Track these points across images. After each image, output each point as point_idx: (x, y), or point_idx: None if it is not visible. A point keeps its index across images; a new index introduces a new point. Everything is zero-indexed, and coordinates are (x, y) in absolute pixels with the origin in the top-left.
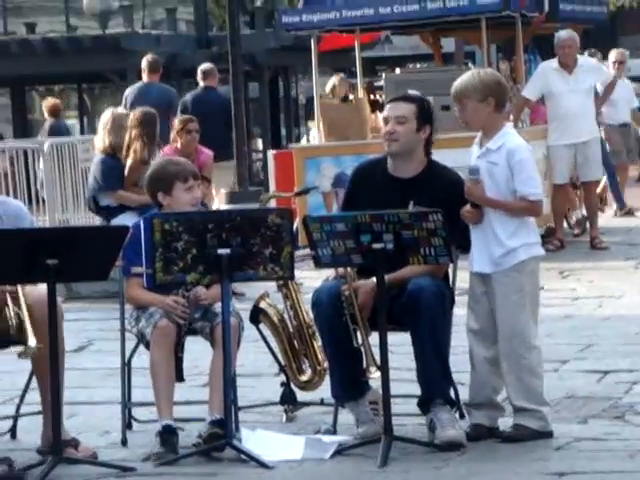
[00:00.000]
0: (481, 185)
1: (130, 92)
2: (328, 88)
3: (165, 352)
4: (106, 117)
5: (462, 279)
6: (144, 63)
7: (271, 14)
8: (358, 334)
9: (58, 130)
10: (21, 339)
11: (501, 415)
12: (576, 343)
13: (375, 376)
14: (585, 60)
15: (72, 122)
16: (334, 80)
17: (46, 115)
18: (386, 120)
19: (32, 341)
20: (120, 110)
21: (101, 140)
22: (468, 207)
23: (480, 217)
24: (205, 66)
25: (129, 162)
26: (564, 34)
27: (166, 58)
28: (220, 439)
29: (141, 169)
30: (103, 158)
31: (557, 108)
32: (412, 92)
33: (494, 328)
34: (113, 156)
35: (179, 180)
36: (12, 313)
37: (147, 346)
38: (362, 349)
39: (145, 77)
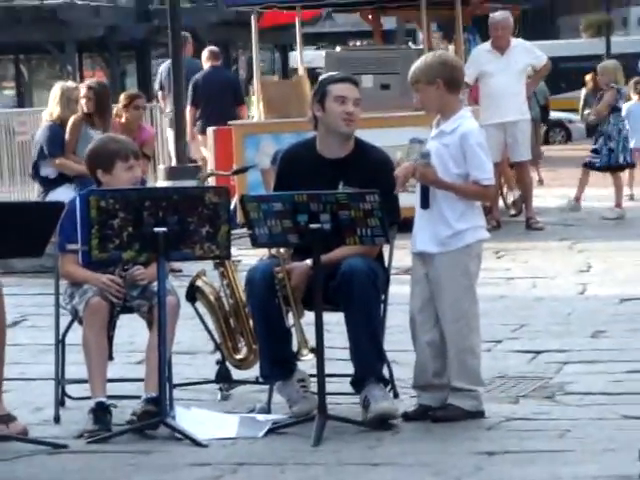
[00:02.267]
0: (433, 168)
1: (164, 71)
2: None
3: (97, 329)
4: (56, 90)
5: (398, 258)
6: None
7: None
8: (290, 315)
9: None
10: None
11: (446, 394)
12: (510, 323)
13: (307, 358)
14: (519, 42)
15: (9, 93)
16: None
17: None
18: (342, 99)
19: None
20: (69, 84)
21: (49, 111)
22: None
23: (434, 174)
24: (213, 47)
25: (70, 121)
26: (497, 16)
27: (105, 30)
28: (154, 417)
29: (82, 131)
30: (50, 125)
31: (488, 88)
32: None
33: (434, 310)
34: (60, 126)
35: (120, 159)
36: None
37: (81, 323)
38: (294, 330)
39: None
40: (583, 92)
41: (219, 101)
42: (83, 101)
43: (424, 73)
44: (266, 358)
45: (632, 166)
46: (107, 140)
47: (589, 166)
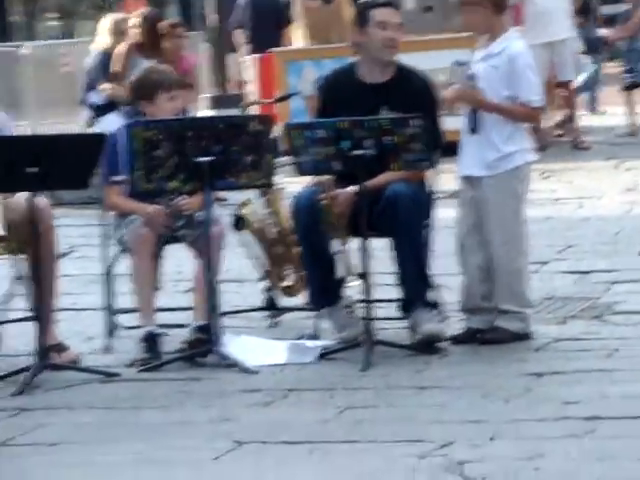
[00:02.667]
0: (479, 90)
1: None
2: None
3: (145, 259)
4: (108, 21)
5: (443, 182)
6: None
7: None
8: (335, 242)
9: None
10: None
11: (494, 317)
12: (556, 244)
13: (354, 284)
14: None
15: (52, 24)
16: None
17: None
18: (385, 25)
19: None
20: (120, 15)
21: (100, 41)
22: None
23: (482, 96)
24: None
25: (120, 46)
26: None
27: None
28: (204, 344)
29: (131, 59)
30: (103, 52)
31: (533, 6)
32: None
33: (482, 233)
34: (110, 56)
35: (162, 89)
36: None
37: (129, 253)
38: (339, 257)
39: None
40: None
41: (264, 25)
42: (135, 30)
43: None
44: (313, 285)
45: None
46: (149, 71)
47: (632, 87)
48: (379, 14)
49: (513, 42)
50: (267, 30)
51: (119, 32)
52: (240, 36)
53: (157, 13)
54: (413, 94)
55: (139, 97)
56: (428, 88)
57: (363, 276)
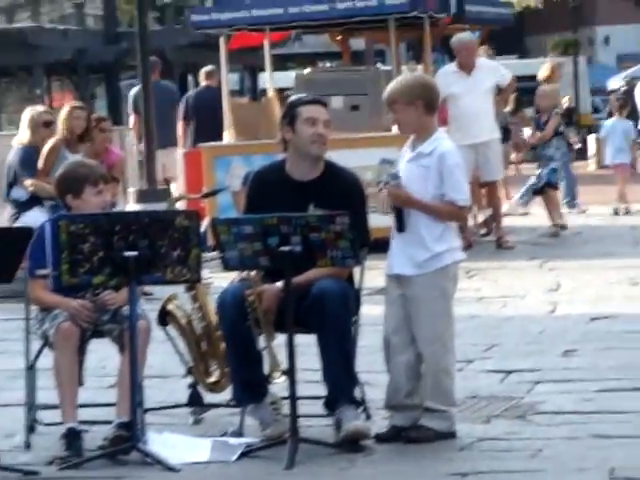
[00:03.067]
0: (404, 189)
1: (133, 93)
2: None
3: (68, 355)
4: (26, 115)
5: (369, 279)
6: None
7: (181, 10)
8: (261, 338)
9: None
10: None
11: (419, 414)
12: (481, 343)
13: (279, 381)
14: (484, 61)
15: None
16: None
17: None
18: (313, 121)
19: None
20: (38, 108)
21: (20, 136)
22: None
23: (407, 195)
24: (208, 67)
25: (48, 145)
26: (463, 36)
27: (73, 53)
28: (126, 442)
29: (57, 155)
30: (23, 147)
31: (456, 109)
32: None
33: (409, 331)
34: (33, 148)
35: (89, 184)
36: None
37: (51, 348)
38: (265, 353)
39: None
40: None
41: (208, 120)
42: (75, 122)
43: (403, 94)
44: (238, 381)
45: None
46: (76, 165)
47: (537, 192)
48: (307, 111)
49: (443, 142)
50: (211, 125)
51: (39, 125)
52: (182, 128)
53: (85, 107)
54: (340, 191)
55: (66, 191)
56: (356, 186)
57: (288, 373)
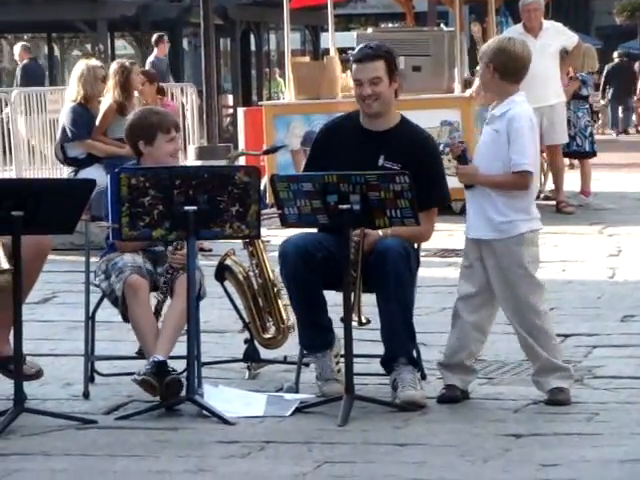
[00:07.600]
0: (473, 165)
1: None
2: None
3: (142, 305)
4: (80, 68)
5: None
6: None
7: None
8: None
9: (32, 71)
10: None
11: (474, 378)
12: None
13: (356, 327)
14: (551, 24)
15: None
16: None
17: (17, 58)
18: (358, 82)
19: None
20: (93, 61)
21: (75, 90)
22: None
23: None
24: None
25: (105, 107)
26: None
27: (137, 9)
28: (179, 389)
29: (114, 117)
30: (74, 107)
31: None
32: (373, 44)
33: (486, 293)
34: (84, 106)
35: (161, 131)
36: None
37: (114, 302)
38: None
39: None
40: None
41: None
42: (140, 86)
43: (483, 54)
44: (304, 327)
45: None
46: (148, 112)
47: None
48: (354, 72)
49: (516, 105)
50: None
51: (94, 80)
52: None
53: (131, 63)
54: (413, 146)
55: (138, 137)
56: (428, 141)
57: (344, 329)
